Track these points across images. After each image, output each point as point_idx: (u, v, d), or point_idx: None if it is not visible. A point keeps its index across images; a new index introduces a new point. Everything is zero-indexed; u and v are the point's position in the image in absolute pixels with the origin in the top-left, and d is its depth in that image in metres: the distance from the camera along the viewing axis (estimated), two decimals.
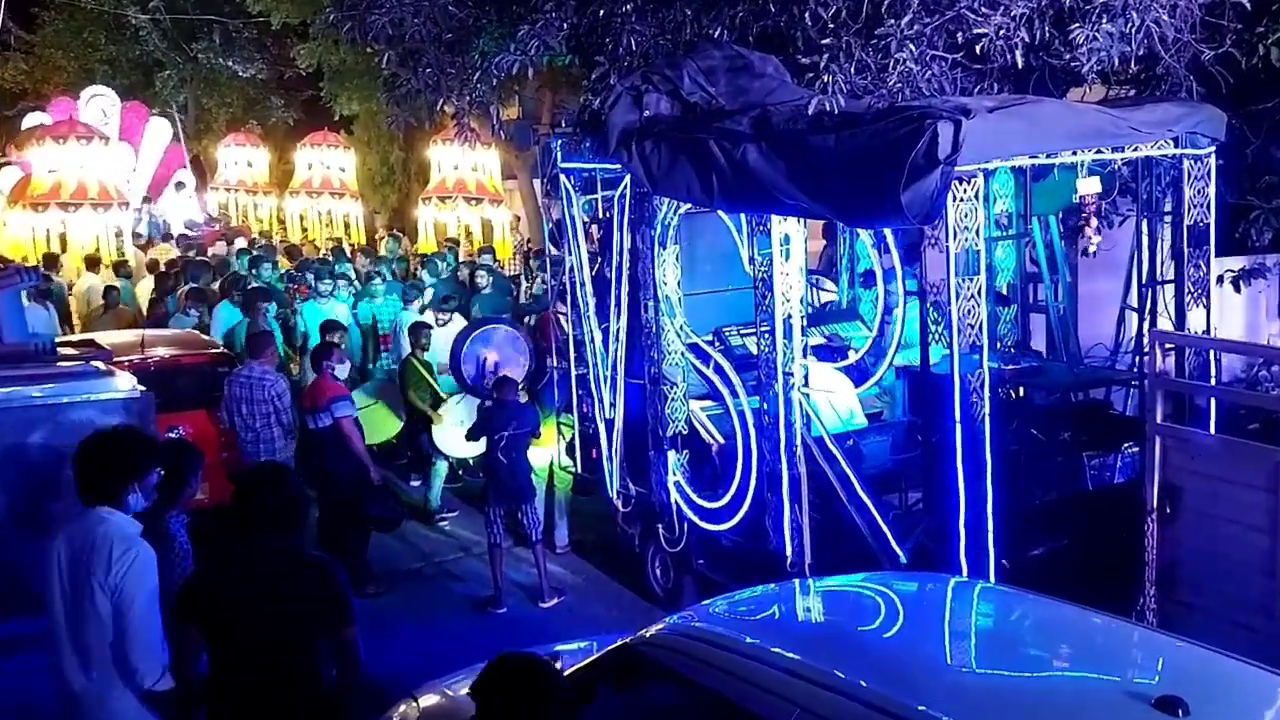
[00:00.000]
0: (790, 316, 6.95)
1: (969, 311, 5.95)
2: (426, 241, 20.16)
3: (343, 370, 8.90)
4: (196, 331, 11.51)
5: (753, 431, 7.26)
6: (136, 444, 4.78)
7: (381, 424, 10.63)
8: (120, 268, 15.83)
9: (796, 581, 5.94)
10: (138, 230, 20.95)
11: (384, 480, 8.75)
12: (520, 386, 9.10)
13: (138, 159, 23.66)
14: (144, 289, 15.08)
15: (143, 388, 6.98)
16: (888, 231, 6.78)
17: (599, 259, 8.51)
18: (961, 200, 5.81)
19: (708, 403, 7.92)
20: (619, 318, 8.20)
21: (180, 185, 23.65)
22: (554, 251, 9.26)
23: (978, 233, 5.89)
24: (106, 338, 9.73)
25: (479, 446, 8.90)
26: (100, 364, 7.23)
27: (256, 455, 8.79)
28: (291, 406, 9.13)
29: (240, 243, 19.06)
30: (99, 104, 22.83)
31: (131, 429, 5.04)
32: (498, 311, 12.29)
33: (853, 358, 8.17)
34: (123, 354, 9.24)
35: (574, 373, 8.79)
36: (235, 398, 9.08)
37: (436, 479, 10.43)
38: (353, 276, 14.34)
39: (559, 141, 8.49)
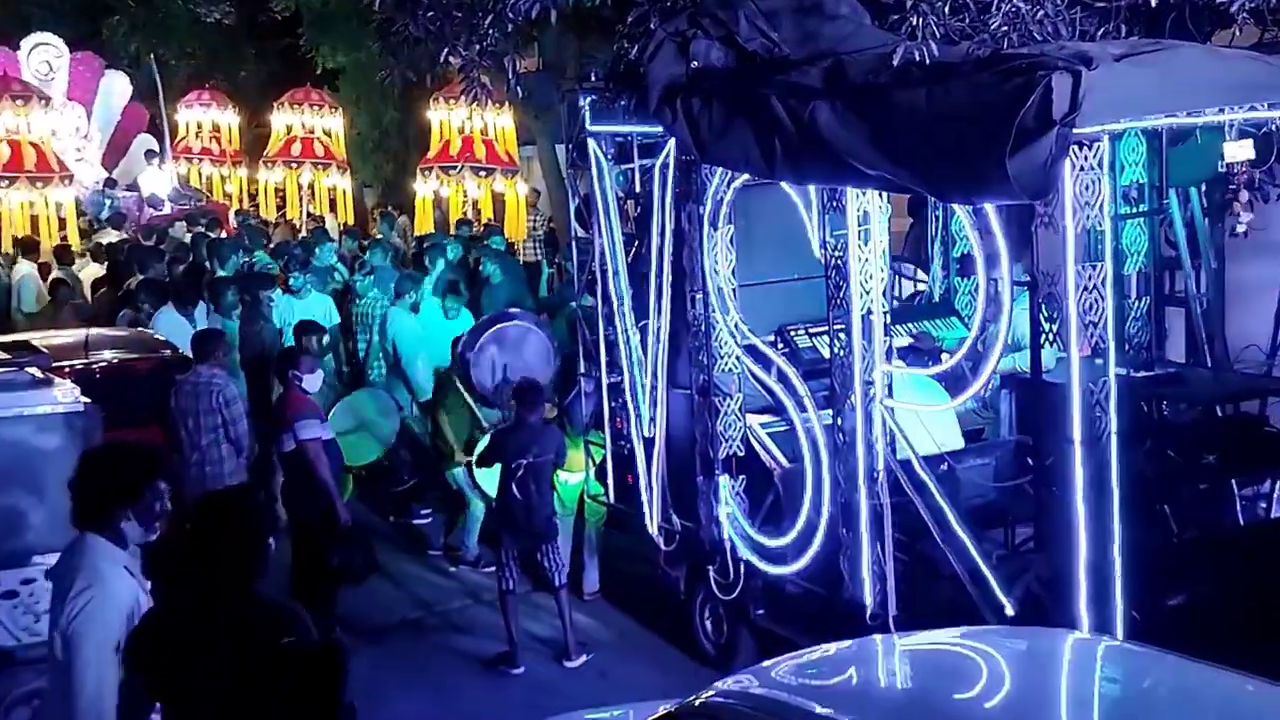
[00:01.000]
0: (870, 312, 6.92)
1: (1091, 306, 5.90)
2: (426, 217, 20.26)
3: (313, 381, 8.91)
4: (149, 331, 11.62)
5: (824, 453, 7.24)
6: (129, 460, 4.86)
7: (367, 442, 10.70)
8: (64, 255, 15.98)
9: (879, 638, 5.90)
10: (89, 212, 21.08)
11: (352, 522, 8.71)
12: (548, 402, 9.11)
13: (90, 122, 23.87)
14: (88, 278, 15.26)
15: (86, 399, 7.05)
16: (990, 208, 6.72)
17: (636, 242, 8.52)
18: (1082, 170, 5.77)
19: (769, 418, 7.89)
20: (660, 314, 8.20)
21: (151, 154, 23.81)
22: (581, 233, 9.27)
23: (1102, 209, 5.85)
24: (44, 339, 9.84)
25: None
26: (35, 371, 7.30)
27: (201, 481, 8.83)
28: (246, 418, 9.20)
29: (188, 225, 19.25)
30: (43, 55, 23.08)
31: (130, 444, 5.11)
32: (511, 305, 12.35)
33: (947, 363, 8.08)
34: (63, 358, 9.34)
35: (605, 381, 8.80)
36: (181, 410, 9.16)
37: (473, 522, 10.41)
38: (335, 263, 14.43)
39: (588, 99, 8.50)
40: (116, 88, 24.48)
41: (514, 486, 8.55)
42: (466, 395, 10.16)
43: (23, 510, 6.80)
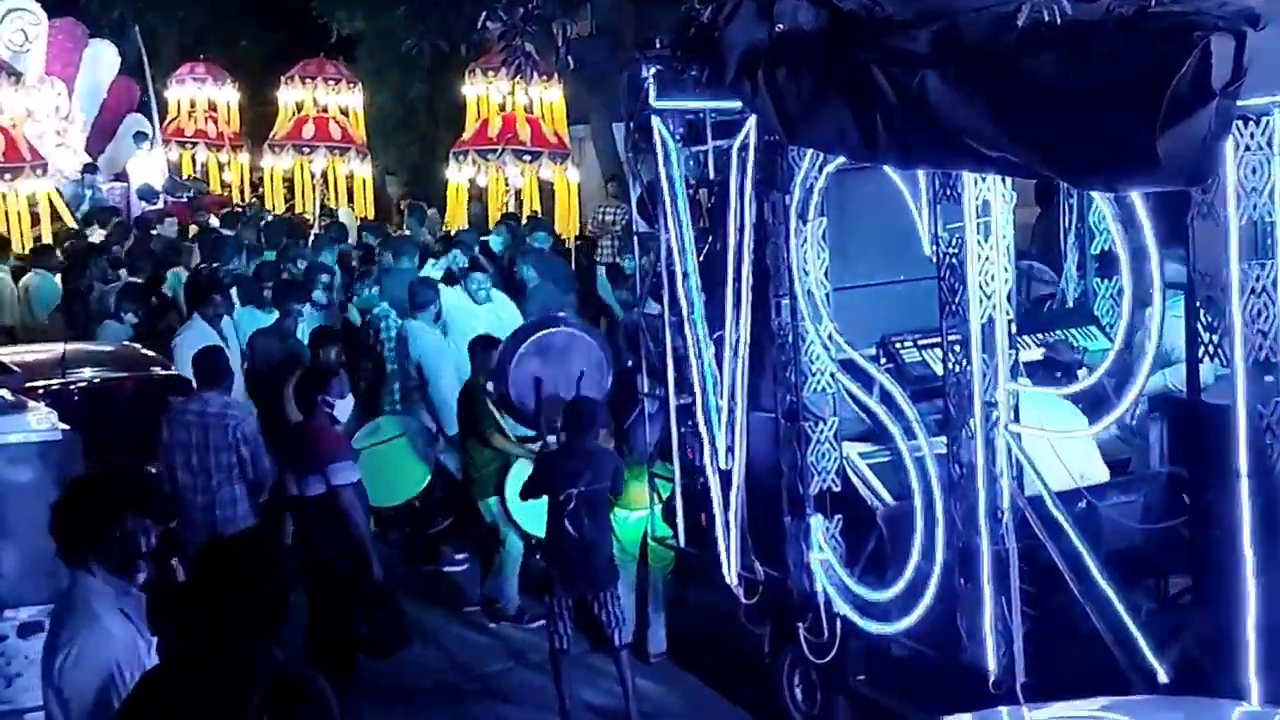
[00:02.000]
0: (992, 320, 6.87)
1: (1259, 313, 5.85)
2: (459, 210, 20.34)
3: (345, 409, 8.98)
4: (135, 345, 11.75)
5: (937, 489, 7.19)
6: (94, 493, 4.96)
7: (396, 479, 10.71)
8: (42, 256, 16.18)
9: (1005, 710, 5.86)
10: (80, 206, 21.36)
11: (385, 583, 8.75)
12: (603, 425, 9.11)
13: (71, 100, 24.16)
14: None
15: (64, 425, 7.12)
16: (1135, 196, 6.65)
17: (710, 238, 8.52)
18: (1247, 149, 5.72)
19: (870, 446, 7.87)
20: (739, 324, 8.20)
21: (141, 136, 24.08)
22: (643, 227, 9.28)
23: (1271, 196, 5.79)
24: (14, 355, 9.99)
25: None
26: (4, 392, 7.40)
27: (209, 526, 8.86)
28: (266, 454, 9.22)
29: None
30: (17, 22, 23.40)
31: (101, 474, 5.19)
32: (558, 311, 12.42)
33: (1085, 381, 8.03)
34: (36, 377, 9.47)
35: (674, 403, 8.81)
36: (181, 442, 9.19)
37: (510, 563, 10.43)
38: (334, 266, 14.42)
39: (651, 70, 8.52)
40: (103, 59, 24.74)
41: (565, 521, 8.57)
42: (495, 411, 10.20)
43: None
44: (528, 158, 20.23)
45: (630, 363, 10.45)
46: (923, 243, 7.42)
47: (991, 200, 6.82)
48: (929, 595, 7.24)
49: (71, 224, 19.97)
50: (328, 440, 8.68)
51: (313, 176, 23.19)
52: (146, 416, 9.58)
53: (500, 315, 12.44)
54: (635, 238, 9.62)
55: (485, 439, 10.28)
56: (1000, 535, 6.88)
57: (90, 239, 18.43)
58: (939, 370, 7.36)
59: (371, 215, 22.88)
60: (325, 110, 23.68)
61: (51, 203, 20.68)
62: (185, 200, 22.03)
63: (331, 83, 23.90)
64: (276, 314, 12.45)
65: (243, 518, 9.06)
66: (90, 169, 23.05)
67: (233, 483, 9.14)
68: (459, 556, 11.55)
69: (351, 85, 24.12)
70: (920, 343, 8.10)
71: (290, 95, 24.08)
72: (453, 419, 11.41)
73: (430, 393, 11.71)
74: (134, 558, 4.90)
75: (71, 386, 9.93)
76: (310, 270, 13.89)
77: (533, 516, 9.25)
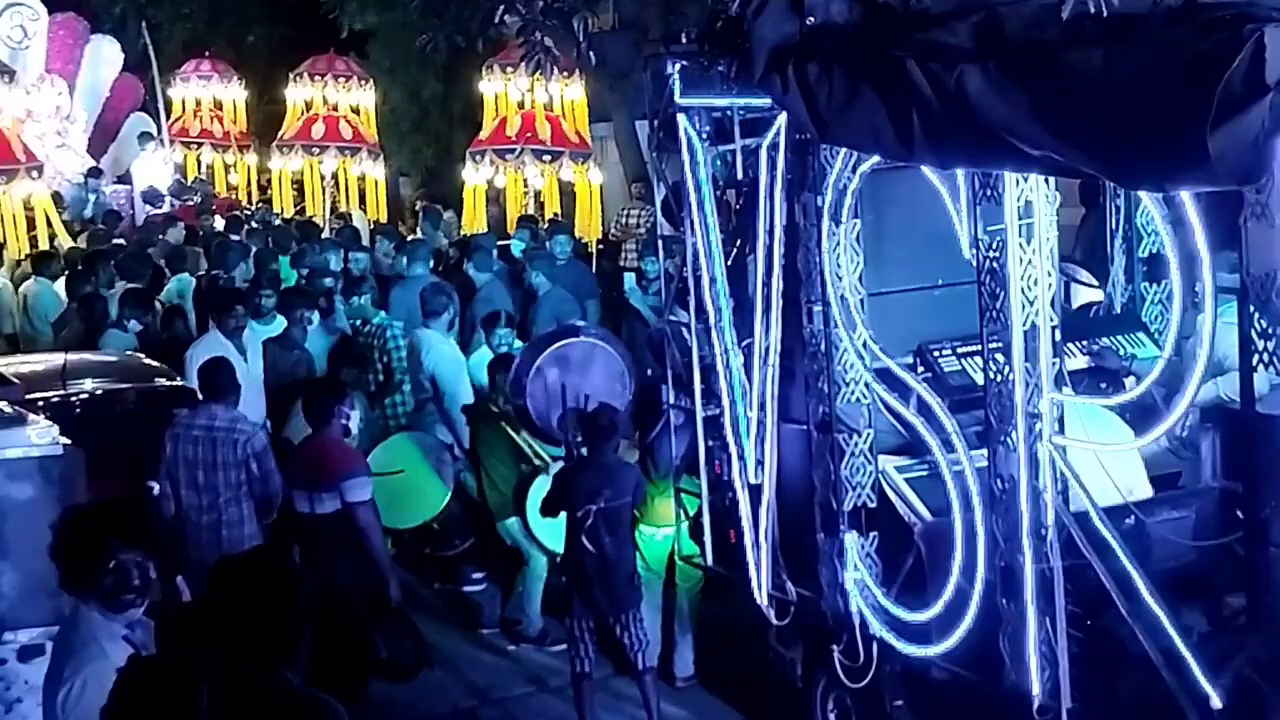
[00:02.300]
0: (1035, 327, 6.86)
1: None
2: (477, 213, 20.37)
3: (355, 420, 9.02)
4: (140, 355, 11.78)
5: (978, 504, 7.18)
6: (86, 524, 4.99)
7: (413, 499, 10.71)
8: (43, 263, 16.23)
9: None
10: (69, 210, 21.41)
11: (402, 604, 8.76)
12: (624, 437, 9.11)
13: (73, 99, 24.23)
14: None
15: (66, 440, 7.15)
16: (1185, 196, 6.63)
17: (738, 242, 8.53)
18: None
19: (906, 460, 7.87)
20: (768, 331, 8.20)
21: (146, 137, 24.11)
22: (668, 230, 9.27)
23: None
24: (12, 365, 10.02)
25: None
26: (4, 405, 7.43)
27: (216, 546, 8.85)
28: (276, 472, 9.25)
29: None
30: (15, 18, 23.47)
31: (91, 506, 5.22)
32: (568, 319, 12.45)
33: (1133, 391, 8.01)
34: (36, 389, 9.50)
35: (701, 414, 8.81)
36: (186, 459, 9.21)
37: (533, 581, 10.43)
38: (338, 272, 14.43)
39: (676, 66, 8.53)
40: (105, 56, 24.81)
41: (583, 539, 8.59)
42: (509, 429, 10.20)
43: None
44: (548, 158, 20.26)
45: (654, 373, 10.45)
46: (962, 246, 7.43)
47: (1034, 201, 6.81)
48: (970, 616, 7.21)
49: (61, 231, 19.93)
50: (342, 454, 8.70)
51: (323, 178, 23.21)
52: (151, 430, 9.59)
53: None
54: (660, 241, 9.62)
55: (500, 459, 10.29)
56: (1044, 553, 6.85)
57: (80, 245, 18.50)
58: (979, 380, 7.33)
59: (384, 218, 22.89)
60: (336, 109, 23.68)
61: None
62: (192, 204, 22.06)
63: (342, 80, 23.87)
64: (283, 324, 12.46)
65: (250, 538, 9.06)
66: (94, 173, 23.06)
67: (240, 501, 9.14)
68: (477, 576, 11.56)
69: (363, 82, 24.12)
70: (959, 351, 8.10)
71: (299, 93, 24.08)
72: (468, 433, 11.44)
73: (447, 406, 11.72)
74: (124, 592, 4.94)
75: (73, 399, 9.95)
76: (313, 276, 13.89)
77: (557, 534, 9.26)
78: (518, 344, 12.32)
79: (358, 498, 8.55)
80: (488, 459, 10.41)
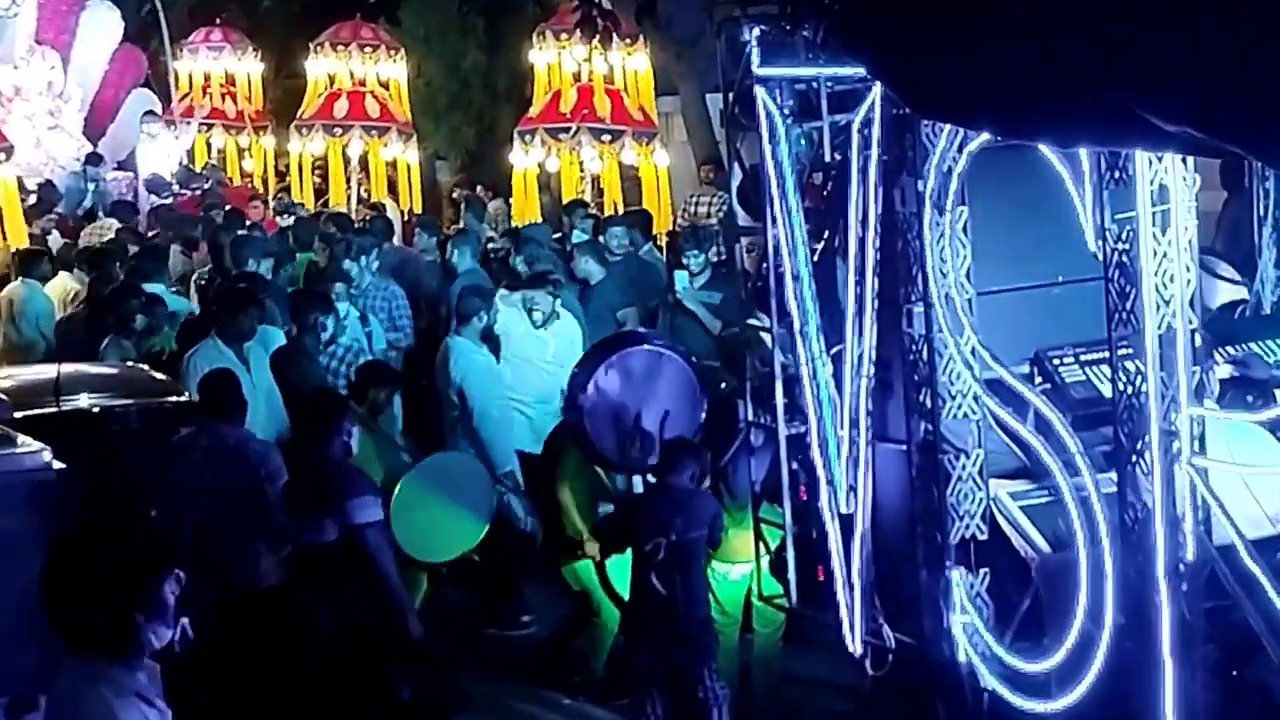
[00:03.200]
0: (1172, 329, 6.86)
1: None
2: (529, 201, 20.39)
3: (353, 443, 9.07)
4: (142, 367, 11.87)
5: (1105, 536, 7.15)
6: (129, 543, 4.86)
7: (449, 528, 10.70)
8: (31, 263, 16.36)
9: None
10: (62, 203, 21.52)
11: (425, 639, 8.80)
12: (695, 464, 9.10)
13: (66, 75, 24.38)
14: (61, 296, 15.67)
15: (60, 463, 7.21)
16: None
17: (825, 233, 8.53)
18: None
19: (1022, 485, 7.86)
20: (862, 336, 8.19)
21: (151, 116, 24.24)
22: (744, 219, 9.29)
23: None
24: (0, 379, 10.11)
25: None
26: None
27: (226, 583, 8.73)
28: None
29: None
30: None
31: (126, 522, 5.19)
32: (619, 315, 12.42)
33: None
34: (25, 405, 9.59)
35: (783, 433, 8.81)
36: (186, 483, 9.26)
37: (604, 634, 10.37)
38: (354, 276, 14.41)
39: (754, 31, 8.54)
40: (103, 25, 24.91)
41: (652, 577, 8.60)
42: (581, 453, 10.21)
43: None
44: (607, 137, 20.26)
45: (728, 386, 10.44)
46: (1086, 237, 7.38)
47: (1170, 184, 6.80)
48: (1096, 666, 7.16)
49: (18, 227, 19.80)
50: (343, 474, 8.75)
51: (348, 162, 23.26)
52: (156, 451, 9.68)
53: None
54: (735, 232, 9.62)
55: (577, 493, 10.30)
56: (1183, 593, 6.83)
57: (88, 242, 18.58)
58: (1106, 391, 7.33)
59: (419, 208, 22.90)
60: (362, 83, 23.67)
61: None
62: (200, 193, 22.17)
63: (369, 50, 23.83)
64: (287, 330, 12.54)
65: (266, 574, 9.11)
66: (94, 159, 23.15)
67: (252, 532, 9.18)
68: (525, 619, 11.57)
69: (392, 53, 24.08)
70: (1083, 358, 8.07)
71: (320, 66, 24.09)
72: (506, 456, 11.46)
73: (477, 424, 11.78)
74: (170, 617, 4.78)
75: (66, 415, 10.03)
76: (313, 276, 13.90)
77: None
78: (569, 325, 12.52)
79: (364, 519, 8.59)
80: (559, 488, 10.39)
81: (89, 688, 4.72)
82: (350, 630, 8.49)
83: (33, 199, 21.25)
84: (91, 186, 22.25)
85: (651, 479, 9.13)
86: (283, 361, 12.04)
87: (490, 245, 17.07)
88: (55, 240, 19.20)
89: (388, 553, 8.71)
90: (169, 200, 21.74)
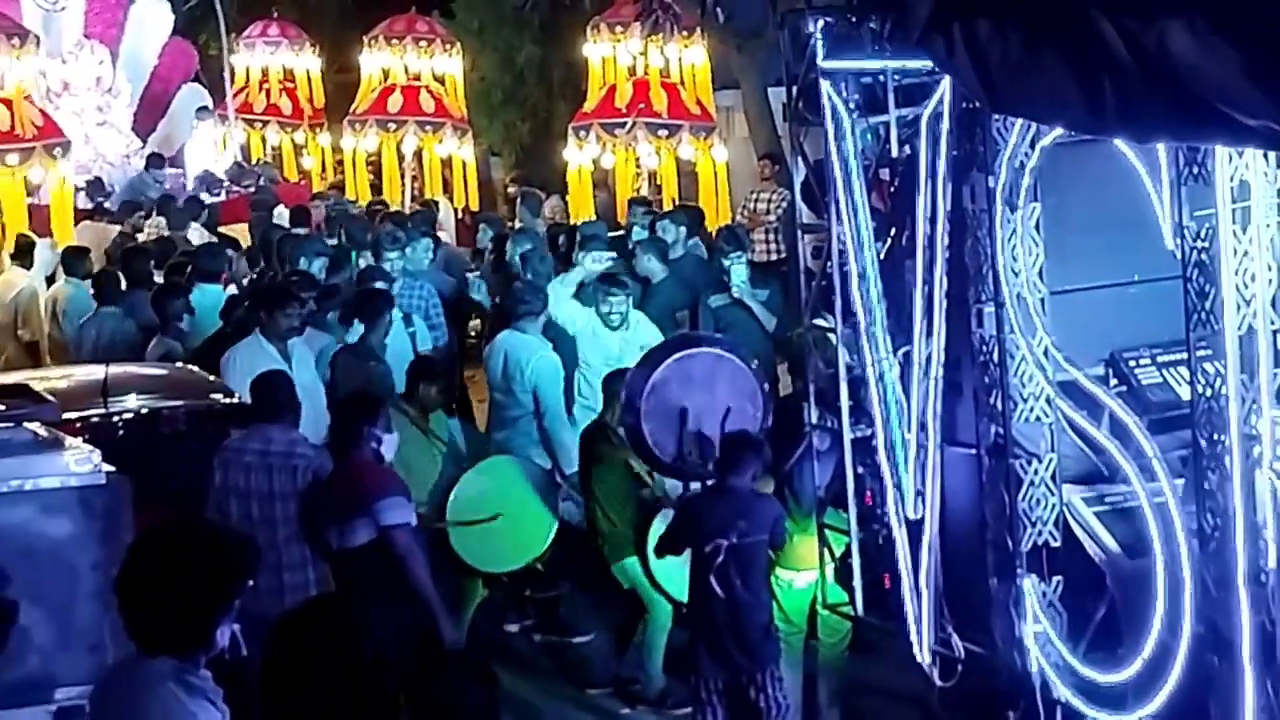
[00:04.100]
0: (1253, 330, 6.80)
1: None
2: (583, 197, 20.39)
3: (390, 445, 9.05)
4: (191, 367, 11.89)
5: (1183, 544, 7.12)
6: (228, 551, 4.95)
7: (513, 535, 10.69)
8: (75, 261, 16.42)
9: None
10: (115, 200, 21.57)
11: (458, 645, 8.74)
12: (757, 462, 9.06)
13: (115, 70, 24.47)
14: None
15: (109, 467, 7.22)
16: None
17: (893, 230, 8.52)
18: None
19: (1096, 490, 7.82)
20: (930, 337, 8.18)
21: (204, 112, 24.30)
22: (809, 216, 9.25)
23: None
24: (47, 380, 10.13)
25: None
26: (38, 427, 7.51)
27: (276, 593, 8.85)
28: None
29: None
30: None
31: (209, 526, 5.20)
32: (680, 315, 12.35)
33: None
34: (74, 407, 9.62)
35: (849, 436, 8.80)
36: (238, 490, 9.28)
37: (655, 633, 10.41)
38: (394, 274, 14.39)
39: (819, 23, 8.52)
40: (152, 19, 25.00)
41: (712, 580, 8.58)
42: (625, 455, 10.19)
43: (27, 625, 6.98)
44: (664, 132, 20.27)
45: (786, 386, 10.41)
46: (1163, 234, 7.35)
47: (1251, 180, 6.75)
48: (1174, 677, 7.13)
49: (68, 224, 19.77)
50: (373, 475, 8.76)
51: (401, 159, 23.29)
52: (206, 454, 9.66)
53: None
54: (798, 230, 9.58)
55: (613, 487, 10.28)
56: (1264, 602, 6.78)
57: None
58: (1184, 394, 7.32)
59: (474, 205, 22.91)
60: (417, 78, 23.69)
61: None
62: (252, 191, 22.22)
63: (424, 44, 23.81)
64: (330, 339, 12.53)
65: (317, 582, 9.12)
66: (156, 161, 23.19)
67: (296, 539, 9.18)
68: (585, 628, 11.53)
69: (448, 47, 24.06)
70: (1160, 359, 8.07)
71: (374, 61, 24.13)
72: (572, 457, 11.44)
73: (548, 424, 11.77)
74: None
75: (115, 418, 10.06)
76: (365, 276, 13.85)
77: (683, 578, 9.22)
78: (637, 318, 12.52)
79: (394, 520, 8.59)
80: (602, 487, 10.39)
81: (159, 686, 4.79)
82: (381, 639, 8.48)
83: (81, 197, 21.32)
84: (156, 187, 22.27)
85: (709, 481, 9.09)
86: (346, 360, 12.04)
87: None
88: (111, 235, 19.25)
89: (419, 555, 8.71)
90: (220, 198, 21.77)
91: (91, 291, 15.02)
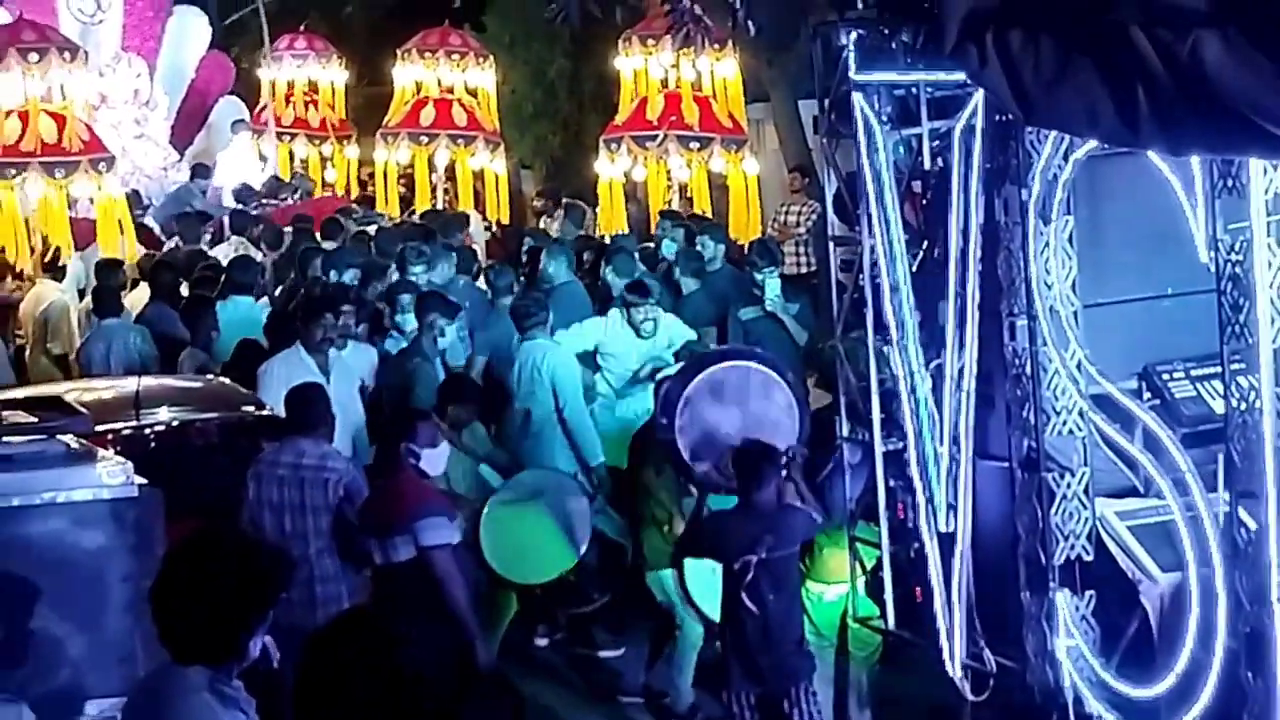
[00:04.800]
0: None
1: None
2: (615, 210, 20.36)
3: (436, 460, 9.05)
4: (223, 380, 11.91)
5: (1217, 558, 7.08)
6: (261, 561, 4.98)
7: (544, 547, 10.68)
8: (107, 273, 16.38)
9: None
10: (158, 213, 21.52)
11: (495, 668, 8.74)
12: (785, 474, 9.05)
13: (153, 83, 24.46)
14: (136, 304, 15.74)
15: (142, 479, 7.23)
16: None
17: (925, 243, 8.51)
18: None
19: (1130, 503, 7.82)
20: (963, 349, 8.18)
21: (240, 125, 24.30)
22: (840, 230, 9.26)
23: None
24: (78, 392, 10.15)
25: None
26: (71, 439, 7.52)
27: (309, 605, 8.88)
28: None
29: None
30: None
31: (241, 536, 5.21)
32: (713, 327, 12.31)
33: None
34: (106, 420, 9.63)
35: (880, 449, 8.79)
36: (271, 503, 9.29)
37: (686, 649, 10.37)
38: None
39: (851, 35, 8.53)
40: (190, 31, 24.98)
41: (744, 596, 8.55)
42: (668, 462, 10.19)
43: (59, 637, 7.00)
44: (695, 145, 20.21)
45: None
46: (1197, 247, 7.32)
47: None
48: (1208, 692, 7.11)
49: (131, 240, 19.76)
50: (415, 492, 8.76)
51: (433, 171, 23.26)
52: (239, 467, 9.66)
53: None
54: (830, 244, 9.57)
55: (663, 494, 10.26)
56: None
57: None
58: (1218, 408, 7.31)
59: (505, 219, 22.89)
60: (450, 91, 23.66)
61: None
62: (292, 204, 22.20)
63: (457, 57, 23.70)
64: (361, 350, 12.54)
65: (351, 593, 9.13)
66: (202, 171, 23.18)
67: (334, 552, 9.19)
68: (615, 641, 11.52)
69: (481, 60, 23.91)
70: (1194, 373, 8.06)
71: (407, 73, 24.04)
72: (594, 448, 11.63)
73: (567, 414, 11.77)
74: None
75: (147, 431, 10.08)
76: (394, 289, 13.84)
77: (716, 596, 9.18)
78: (667, 321, 12.52)
79: (435, 540, 8.59)
80: (646, 497, 10.37)
81: (193, 695, 4.81)
82: (417, 656, 8.48)
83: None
84: (200, 198, 22.28)
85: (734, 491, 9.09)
86: (398, 361, 12.05)
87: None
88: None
89: (458, 578, 8.70)
90: (256, 211, 21.77)
91: (90, 308, 15.05)
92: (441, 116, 23.12)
